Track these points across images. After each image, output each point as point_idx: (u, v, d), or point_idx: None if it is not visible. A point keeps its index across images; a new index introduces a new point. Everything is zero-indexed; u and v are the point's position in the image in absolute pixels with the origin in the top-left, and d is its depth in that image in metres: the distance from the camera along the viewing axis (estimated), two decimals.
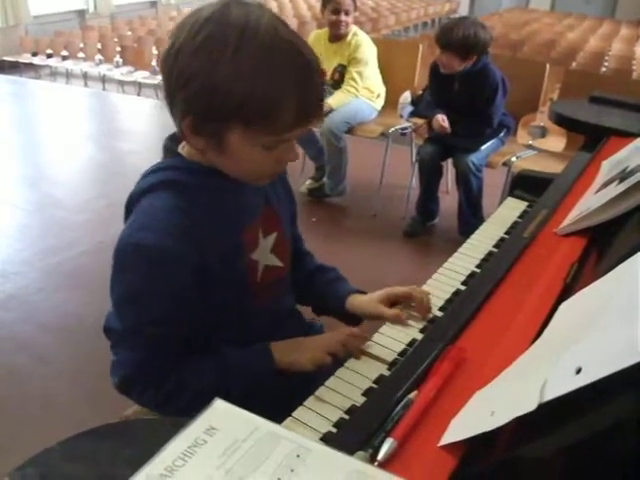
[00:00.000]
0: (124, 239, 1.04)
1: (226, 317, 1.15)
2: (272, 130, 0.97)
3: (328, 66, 4.01)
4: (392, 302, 1.27)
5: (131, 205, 1.10)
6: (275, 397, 1.04)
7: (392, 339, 1.15)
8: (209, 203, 1.07)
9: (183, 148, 1.11)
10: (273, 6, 12.42)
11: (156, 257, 1.01)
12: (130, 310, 1.07)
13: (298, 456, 0.68)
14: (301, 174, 4.25)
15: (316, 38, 4.08)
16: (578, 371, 0.60)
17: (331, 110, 3.82)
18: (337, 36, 3.91)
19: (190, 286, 1.06)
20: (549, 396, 0.62)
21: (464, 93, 3.34)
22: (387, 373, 1.05)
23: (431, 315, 1.22)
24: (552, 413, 0.64)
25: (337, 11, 3.81)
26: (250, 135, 0.97)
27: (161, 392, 1.07)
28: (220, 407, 0.74)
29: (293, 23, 10.22)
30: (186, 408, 1.05)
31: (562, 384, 0.61)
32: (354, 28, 3.97)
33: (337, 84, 3.97)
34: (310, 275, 1.39)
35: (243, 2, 0.97)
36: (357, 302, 1.31)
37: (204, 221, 1.05)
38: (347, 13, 3.83)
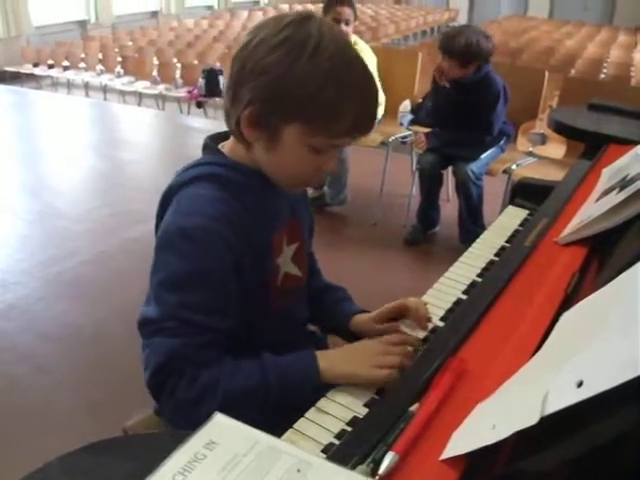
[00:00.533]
0: (168, 225, 1.05)
1: (248, 318, 1.13)
2: (327, 132, 1.02)
3: None
4: (389, 318, 1.27)
5: (169, 196, 1.11)
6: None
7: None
8: (247, 202, 1.09)
9: (223, 147, 1.15)
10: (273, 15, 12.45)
11: (200, 238, 1.02)
12: (171, 295, 1.03)
13: (299, 470, 0.68)
14: None
15: None
16: (579, 384, 0.60)
17: None
18: None
19: (230, 274, 1.06)
20: (550, 409, 0.62)
21: (466, 101, 3.34)
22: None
23: (432, 325, 1.22)
24: (554, 426, 0.63)
25: (337, 21, 3.82)
26: (306, 134, 1.01)
27: (195, 386, 1.00)
28: (220, 421, 0.74)
29: None
30: (218, 409, 1.00)
31: (563, 397, 0.61)
32: (354, 37, 3.98)
33: None
34: (320, 292, 1.39)
35: (322, 19, 1.05)
36: (359, 322, 1.31)
37: (244, 217, 1.07)
38: (347, 23, 3.84)
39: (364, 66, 1.04)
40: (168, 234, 1.05)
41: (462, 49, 3.21)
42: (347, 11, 3.82)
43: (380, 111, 4.08)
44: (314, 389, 1.03)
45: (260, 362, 1.05)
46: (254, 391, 1.02)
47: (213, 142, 1.17)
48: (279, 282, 1.18)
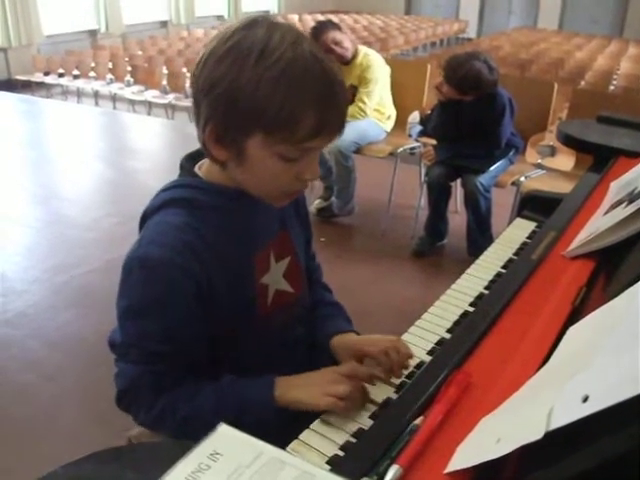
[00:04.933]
0: (132, 253, 1.05)
1: (231, 340, 1.14)
2: (291, 139, 0.96)
3: None
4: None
5: (144, 221, 1.11)
6: (273, 428, 1.00)
7: None
8: (221, 224, 1.08)
9: (200, 168, 1.12)
10: None
11: (159, 270, 1.02)
12: (131, 324, 1.07)
13: None
14: (310, 194, 4.26)
15: None
16: (585, 399, 0.60)
17: None
18: (344, 63, 3.91)
19: (193, 305, 1.05)
20: (555, 424, 0.61)
21: (472, 116, 3.34)
22: (394, 396, 1.05)
23: (438, 337, 1.22)
24: (559, 441, 0.63)
25: (328, 50, 3.77)
26: (269, 143, 0.97)
27: (153, 410, 1.07)
28: (224, 432, 0.74)
29: None
30: (178, 431, 1.06)
31: (569, 412, 0.60)
32: (364, 49, 3.99)
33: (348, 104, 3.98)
34: (311, 309, 1.33)
35: (272, 20, 1.00)
36: (337, 344, 1.24)
37: (214, 242, 1.06)
38: (337, 43, 3.83)
39: (322, 64, 0.97)
40: (130, 263, 1.05)
41: (460, 80, 3.24)
42: (329, 37, 3.81)
43: (390, 124, 4.10)
44: (275, 412, 1.04)
45: (219, 388, 1.08)
46: (208, 417, 1.03)
47: (189, 162, 1.14)
48: (269, 301, 1.17)
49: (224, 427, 0.75)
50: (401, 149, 3.97)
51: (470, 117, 3.35)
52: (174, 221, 1.05)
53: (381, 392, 1.07)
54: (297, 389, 1.05)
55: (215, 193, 1.08)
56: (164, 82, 7.97)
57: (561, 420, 0.61)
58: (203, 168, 1.12)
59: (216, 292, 1.07)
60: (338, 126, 1.01)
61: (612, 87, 7.28)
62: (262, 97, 0.93)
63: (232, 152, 1.01)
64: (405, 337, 1.22)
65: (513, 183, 3.44)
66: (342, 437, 0.95)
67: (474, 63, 3.21)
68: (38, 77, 9.25)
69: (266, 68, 0.93)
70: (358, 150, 3.93)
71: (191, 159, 1.14)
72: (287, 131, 0.95)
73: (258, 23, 0.97)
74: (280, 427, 0.97)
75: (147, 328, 1.05)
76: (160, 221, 1.07)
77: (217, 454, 0.70)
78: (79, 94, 9.01)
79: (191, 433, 0.92)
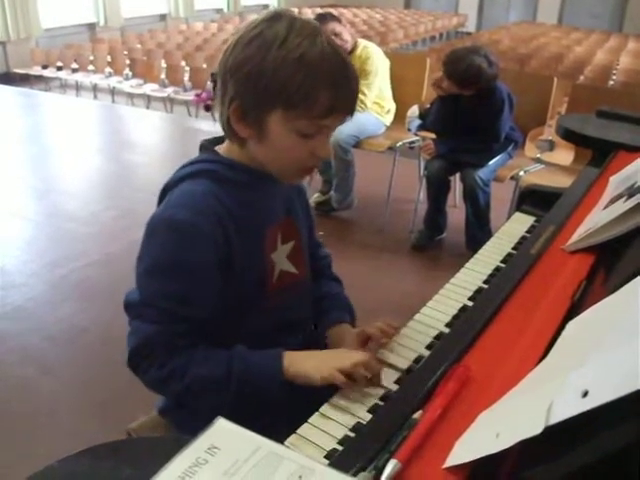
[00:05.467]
0: (156, 216, 1.11)
1: (235, 320, 1.18)
2: (308, 114, 1.05)
3: None
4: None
5: (166, 192, 1.16)
6: (276, 406, 1.06)
7: (398, 356, 1.15)
8: (240, 197, 1.15)
9: (220, 149, 1.20)
10: None
11: (185, 231, 1.08)
12: (150, 283, 1.12)
13: (300, 477, 0.67)
14: (309, 187, 4.25)
15: None
16: (585, 394, 0.59)
17: None
18: None
19: (213, 269, 1.11)
20: (555, 419, 0.61)
21: (471, 111, 3.34)
22: (394, 388, 1.04)
23: (437, 331, 1.21)
24: (558, 436, 0.63)
25: None
26: (289, 119, 1.06)
27: (164, 369, 1.09)
28: (222, 426, 0.74)
29: None
30: (181, 394, 1.11)
31: (568, 407, 0.60)
32: (363, 42, 3.98)
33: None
34: (317, 300, 1.39)
35: (293, 14, 1.11)
36: (334, 334, 1.32)
37: (235, 212, 1.13)
38: (336, 35, 3.82)
39: (337, 53, 1.07)
40: (155, 224, 1.11)
41: (461, 75, 3.23)
42: (329, 27, 3.80)
43: (389, 118, 4.09)
44: (279, 386, 1.09)
45: (230, 353, 1.11)
46: (217, 380, 1.09)
47: (210, 144, 1.22)
48: (275, 279, 1.22)
49: (222, 421, 0.74)
50: (400, 143, 3.96)
51: (469, 111, 3.34)
52: (199, 188, 1.12)
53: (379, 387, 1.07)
54: (305, 363, 1.10)
55: (235, 169, 1.16)
56: (163, 76, 7.96)
57: (561, 415, 0.61)
58: (222, 149, 1.20)
59: (233, 261, 1.13)
60: (349, 106, 1.10)
61: (611, 82, 7.27)
62: (283, 77, 1.03)
63: (254, 128, 1.09)
64: (404, 331, 1.23)
65: (512, 177, 3.44)
66: (340, 431, 0.95)
67: (474, 58, 3.20)
68: (36, 70, 9.24)
69: (288, 52, 1.03)
70: (357, 144, 3.92)
71: (210, 142, 1.23)
72: (304, 107, 1.05)
73: (281, 17, 1.08)
74: (279, 419, 0.98)
75: (167, 288, 1.10)
76: (185, 189, 1.13)
77: (215, 448, 0.70)
78: (78, 87, 9.00)
79: (193, 400, 1.08)
